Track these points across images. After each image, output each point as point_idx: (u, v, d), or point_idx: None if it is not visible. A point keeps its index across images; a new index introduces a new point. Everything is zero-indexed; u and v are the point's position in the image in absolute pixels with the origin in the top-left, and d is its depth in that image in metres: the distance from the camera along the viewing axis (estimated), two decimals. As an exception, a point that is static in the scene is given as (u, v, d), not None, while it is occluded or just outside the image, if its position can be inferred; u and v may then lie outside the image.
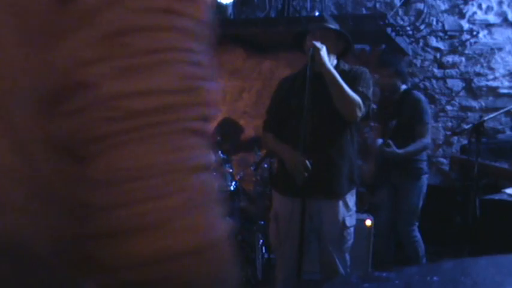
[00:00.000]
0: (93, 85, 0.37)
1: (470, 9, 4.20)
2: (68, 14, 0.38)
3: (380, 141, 3.02)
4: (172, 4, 0.39)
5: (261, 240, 3.20)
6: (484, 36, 4.18)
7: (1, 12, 0.39)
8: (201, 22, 0.41)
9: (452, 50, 4.25)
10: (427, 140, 3.01)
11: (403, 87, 3.09)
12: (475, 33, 4.18)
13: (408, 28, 4.18)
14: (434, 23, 4.28)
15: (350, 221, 2.28)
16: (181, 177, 0.38)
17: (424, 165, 3.07)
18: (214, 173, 0.40)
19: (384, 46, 4.06)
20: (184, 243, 0.38)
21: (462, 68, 4.24)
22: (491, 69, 4.16)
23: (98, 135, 0.37)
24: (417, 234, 3.09)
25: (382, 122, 3.13)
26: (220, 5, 5.11)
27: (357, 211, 2.45)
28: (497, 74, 4.14)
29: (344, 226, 2.26)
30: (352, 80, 2.21)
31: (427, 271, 0.50)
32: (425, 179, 3.07)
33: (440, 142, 4.35)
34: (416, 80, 4.34)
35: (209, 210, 0.39)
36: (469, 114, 4.24)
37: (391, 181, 3.08)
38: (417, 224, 3.09)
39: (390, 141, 2.90)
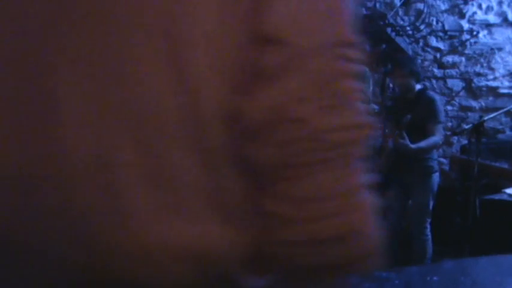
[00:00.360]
0: (305, 120, 0.46)
1: (470, 9, 4.20)
2: (271, 57, 0.46)
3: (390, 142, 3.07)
4: (353, 54, 0.49)
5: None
6: (484, 36, 4.18)
7: (200, 50, 0.45)
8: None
9: (452, 50, 4.25)
10: (438, 138, 3.03)
11: (418, 87, 3.12)
12: (475, 33, 4.18)
13: (408, 28, 4.18)
14: (434, 23, 4.28)
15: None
16: (360, 195, 0.48)
17: (435, 163, 3.09)
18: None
19: (384, 46, 4.06)
20: (365, 250, 0.48)
21: (462, 68, 4.24)
22: (491, 69, 4.16)
23: (305, 161, 0.46)
24: (429, 233, 3.10)
25: (396, 120, 3.15)
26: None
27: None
28: (497, 74, 4.14)
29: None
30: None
31: (427, 271, 0.50)
32: (436, 177, 3.08)
33: (440, 142, 4.35)
34: (416, 80, 4.34)
35: (375, 220, 0.49)
36: (469, 114, 4.25)
37: (402, 181, 3.09)
38: (429, 221, 3.10)
39: (404, 133, 2.92)
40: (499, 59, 4.14)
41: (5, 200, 0.49)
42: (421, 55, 4.33)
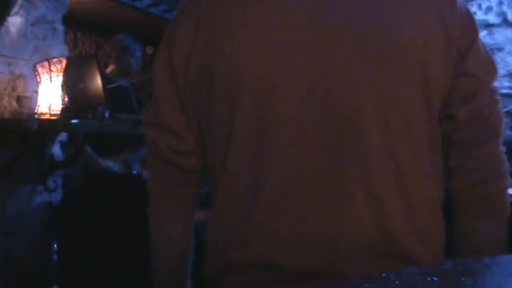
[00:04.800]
0: (488, 118, 0.91)
1: (470, 9, 4.20)
2: (469, 85, 0.89)
3: None
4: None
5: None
6: (484, 36, 4.18)
7: (434, 81, 0.85)
8: None
9: (452, 50, 4.24)
10: None
11: None
12: (475, 33, 4.17)
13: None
14: (434, 23, 4.28)
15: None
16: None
17: None
18: None
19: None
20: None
21: (462, 68, 4.23)
22: (491, 69, 4.16)
23: (484, 140, 0.90)
24: None
25: None
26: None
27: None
28: (497, 74, 4.14)
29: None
30: None
31: (428, 271, 0.50)
32: None
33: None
34: (416, 80, 4.34)
35: None
36: (469, 114, 4.24)
37: None
38: None
39: None
40: (498, 60, 4.14)
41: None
42: (421, 55, 4.32)
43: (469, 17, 0.92)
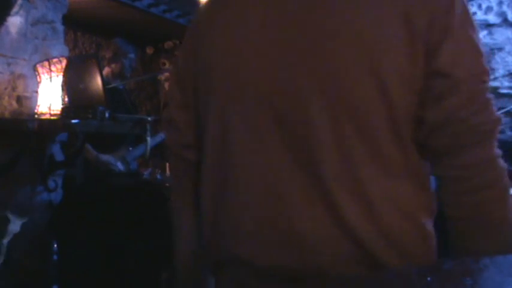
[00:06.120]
0: (464, 120, 0.79)
1: (470, 9, 4.20)
2: (439, 84, 0.78)
3: None
4: (487, 78, 0.83)
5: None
6: (484, 36, 4.18)
7: (394, 78, 0.77)
8: None
9: (452, 50, 4.24)
10: None
11: None
12: (475, 33, 4.17)
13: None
14: (434, 23, 4.28)
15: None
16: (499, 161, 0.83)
17: None
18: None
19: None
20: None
21: (462, 68, 4.23)
22: (491, 69, 4.16)
23: (464, 143, 0.80)
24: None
25: None
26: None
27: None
28: (497, 74, 4.14)
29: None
30: None
31: (427, 271, 0.50)
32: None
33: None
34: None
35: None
36: (469, 114, 4.24)
37: None
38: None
39: None
40: (498, 59, 4.14)
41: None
42: (421, 55, 4.32)
43: (445, 6, 0.80)
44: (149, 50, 5.57)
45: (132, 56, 3.38)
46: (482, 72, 0.81)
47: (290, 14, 0.79)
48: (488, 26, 4.16)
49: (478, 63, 0.80)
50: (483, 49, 0.82)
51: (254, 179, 0.82)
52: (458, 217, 0.82)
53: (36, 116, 2.46)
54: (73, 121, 2.29)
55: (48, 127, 2.36)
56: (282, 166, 0.79)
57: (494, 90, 4.15)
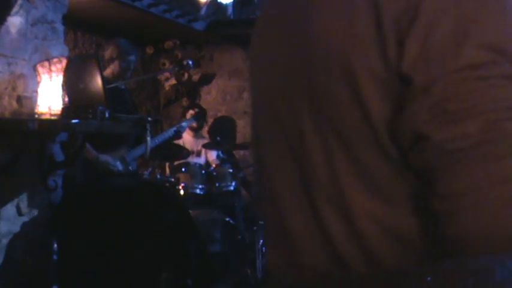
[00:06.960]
0: (428, 138, 0.58)
1: None
2: (406, 90, 0.60)
3: None
4: (475, 73, 0.58)
5: (261, 240, 3.20)
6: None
7: (366, 81, 0.63)
8: None
9: (452, 50, 4.24)
10: None
11: None
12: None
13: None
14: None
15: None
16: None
17: None
18: None
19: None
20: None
21: (462, 68, 4.23)
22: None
23: (440, 165, 0.58)
24: None
25: None
26: (220, 5, 5.10)
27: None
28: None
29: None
30: None
31: (427, 271, 0.50)
32: None
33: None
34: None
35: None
36: (469, 114, 4.24)
37: None
38: None
39: None
40: (499, 59, 4.14)
41: None
42: (421, 55, 4.32)
43: None
44: (149, 50, 5.58)
45: (132, 56, 3.39)
46: (463, 66, 0.57)
47: (285, 30, 0.78)
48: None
49: (455, 55, 0.57)
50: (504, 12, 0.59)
51: (266, 192, 0.85)
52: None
53: (36, 116, 2.46)
54: (73, 121, 2.30)
55: (48, 127, 2.36)
56: (283, 185, 0.79)
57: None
